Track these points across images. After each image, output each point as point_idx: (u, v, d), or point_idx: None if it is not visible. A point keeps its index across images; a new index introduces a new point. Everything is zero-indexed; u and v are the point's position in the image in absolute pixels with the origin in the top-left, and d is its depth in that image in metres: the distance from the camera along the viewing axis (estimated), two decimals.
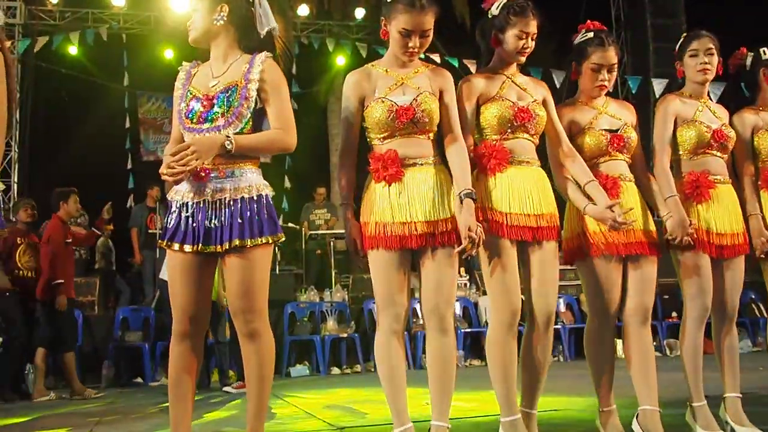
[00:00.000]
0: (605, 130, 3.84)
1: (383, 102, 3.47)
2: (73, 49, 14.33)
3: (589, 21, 4.00)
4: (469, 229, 3.35)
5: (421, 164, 3.47)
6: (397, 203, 3.42)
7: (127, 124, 15.38)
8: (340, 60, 16.19)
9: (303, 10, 15.67)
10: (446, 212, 3.44)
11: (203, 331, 3.41)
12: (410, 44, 3.47)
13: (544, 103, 3.76)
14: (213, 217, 3.22)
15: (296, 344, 9.94)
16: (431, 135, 3.54)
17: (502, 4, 3.69)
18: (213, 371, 8.76)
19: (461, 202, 3.41)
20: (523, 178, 3.61)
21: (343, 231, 11.41)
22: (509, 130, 3.64)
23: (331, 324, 9.98)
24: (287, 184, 15.84)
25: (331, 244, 11.83)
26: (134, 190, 14.36)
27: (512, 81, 3.73)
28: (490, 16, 3.73)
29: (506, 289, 3.54)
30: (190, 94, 3.33)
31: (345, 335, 9.97)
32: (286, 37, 14.42)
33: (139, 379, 9.36)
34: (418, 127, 3.47)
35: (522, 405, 3.66)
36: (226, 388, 8.03)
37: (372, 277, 3.48)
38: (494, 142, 3.62)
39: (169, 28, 13.65)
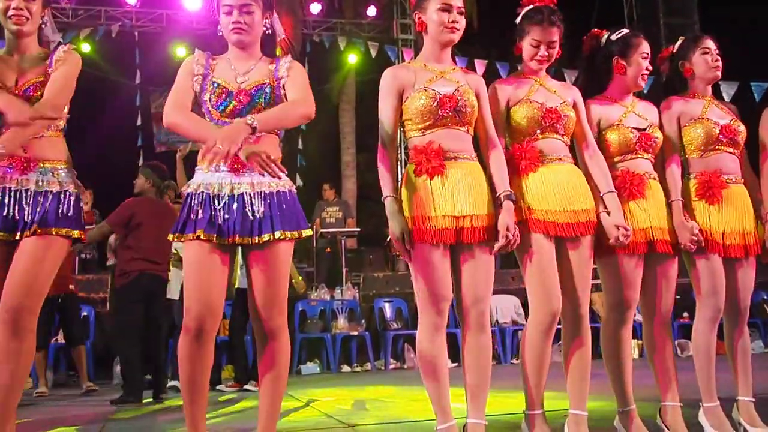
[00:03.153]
0: (634, 128, 3.86)
1: (426, 91, 3.49)
2: (85, 47, 14.39)
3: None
4: (507, 229, 3.39)
5: (462, 159, 3.48)
6: (439, 197, 3.41)
7: (139, 122, 15.42)
8: (352, 58, 16.21)
9: (315, 8, 15.69)
10: (485, 208, 3.45)
11: (218, 326, 3.35)
12: (450, 18, 3.51)
13: (574, 105, 3.79)
14: (254, 208, 3.22)
15: (307, 342, 9.96)
16: (470, 129, 3.56)
17: (524, 12, 3.78)
18: (225, 368, 8.78)
19: (501, 204, 3.45)
20: (557, 175, 3.63)
21: (353, 229, 11.45)
22: (538, 131, 3.67)
23: (341, 322, 10.01)
24: (299, 182, 15.87)
25: (342, 242, 11.83)
26: None
27: (541, 84, 3.77)
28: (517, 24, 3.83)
29: (545, 290, 3.55)
30: (217, 86, 3.34)
31: (355, 333, 10.00)
32: (294, 36, 14.44)
33: (150, 376, 9.37)
34: (460, 117, 3.49)
35: (570, 406, 3.67)
36: (219, 387, 7.98)
37: (413, 273, 3.47)
38: (525, 144, 3.66)
39: (181, 25, 13.71)
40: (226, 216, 3.21)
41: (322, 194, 12.87)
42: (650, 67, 3.94)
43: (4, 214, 3.23)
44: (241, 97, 3.31)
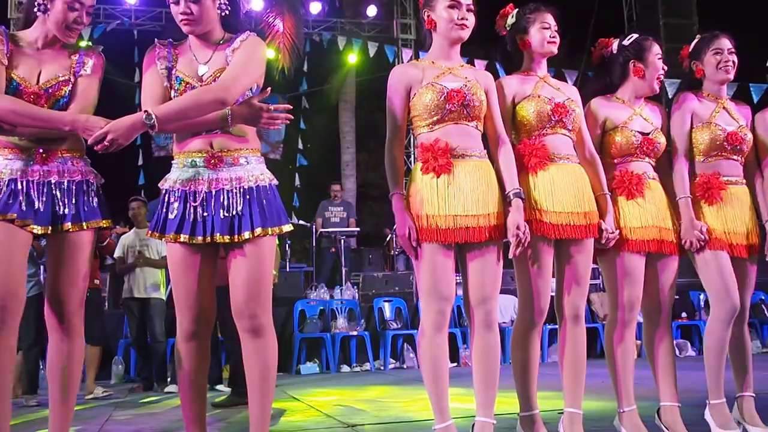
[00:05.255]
0: (638, 131, 3.87)
1: (433, 86, 3.47)
2: (83, 45, 14.35)
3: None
4: (518, 228, 3.38)
5: (471, 156, 3.47)
6: (446, 195, 3.39)
7: None
8: (352, 58, 16.18)
9: (315, 8, 15.67)
10: (493, 206, 3.43)
11: (212, 327, 3.32)
12: (460, 15, 3.51)
13: (577, 105, 3.80)
14: (234, 205, 3.15)
15: (306, 342, 9.94)
16: (479, 125, 3.54)
17: (515, 12, 3.83)
18: (225, 367, 8.75)
19: (510, 202, 3.44)
20: (564, 176, 3.63)
21: (353, 229, 11.38)
22: (548, 126, 3.67)
23: (341, 322, 10.00)
24: (297, 181, 15.85)
25: (342, 241, 11.83)
26: (145, 186, 14.39)
27: (545, 82, 3.78)
28: (508, 28, 3.85)
29: (537, 290, 3.57)
30: (180, 81, 3.23)
31: (355, 333, 9.99)
32: (297, 35, 14.43)
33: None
34: (468, 111, 3.47)
35: (565, 405, 3.68)
36: (219, 387, 7.84)
37: (416, 271, 3.46)
38: (533, 140, 3.66)
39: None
40: (205, 213, 3.15)
41: (330, 193, 12.86)
42: (665, 68, 3.96)
43: (35, 207, 3.18)
44: None
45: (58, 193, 3.23)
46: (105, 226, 3.37)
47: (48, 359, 3.31)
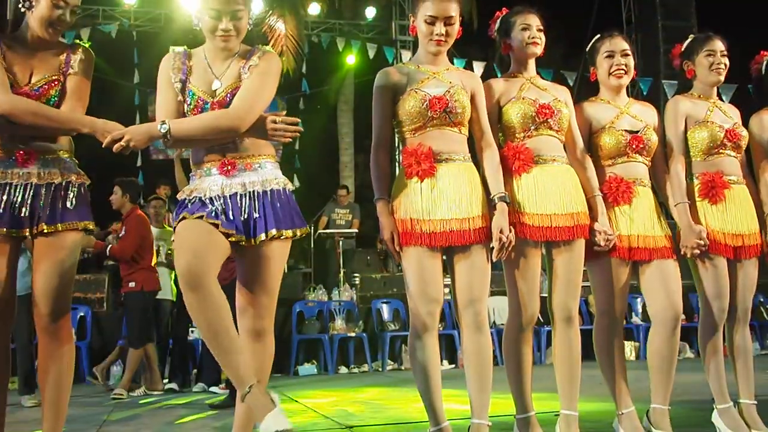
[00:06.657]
0: (625, 130, 3.85)
1: (416, 93, 3.50)
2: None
3: None
4: (501, 232, 3.39)
5: (454, 160, 3.48)
6: (430, 199, 3.41)
7: (137, 122, 15.34)
8: (350, 59, 16.18)
9: (314, 9, 15.66)
10: (478, 209, 3.44)
11: (213, 273, 3.00)
12: (435, 31, 3.50)
13: (565, 105, 3.80)
14: (250, 208, 3.14)
15: (304, 343, 9.95)
16: (463, 130, 3.55)
17: (501, 17, 3.87)
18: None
19: (494, 206, 3.45)
20: (549, 177, 3.64)
21: (351, 230, 11.36)
22: (532, 127, 3.68)
23: (339, 323, 10.00)
24: (296, 183, 15.83)
25: (339, 243, 11.82)
26: (143, 188, 14.34)
27: (532, 83, 3.78)
28: (496, 33, 3.90)
29: (525, 294, 3.59)
30: (194, 94, 3.21)
31: (353, 334, 9.99)
32: (299, 36, 14.41)
33: None
34: (450, 118, 3.49)
35: (561, 407, 3.67)
36: (213, 389, 7.72)
37: (404, 275, 3.48)
38: (518, 142, 3.66)
39: (179, 25, 13.67)
40: (222, 216, 3.12)
41: (336, 197, 12.94)
42: (622, 63, 3.89)
43: (11, 210, 3.23)
44: (216, 109, 3.16)
45: (39, 195, 3.28)
46: (82, 228, 3.37)
47: (38, 361, 3.33)
